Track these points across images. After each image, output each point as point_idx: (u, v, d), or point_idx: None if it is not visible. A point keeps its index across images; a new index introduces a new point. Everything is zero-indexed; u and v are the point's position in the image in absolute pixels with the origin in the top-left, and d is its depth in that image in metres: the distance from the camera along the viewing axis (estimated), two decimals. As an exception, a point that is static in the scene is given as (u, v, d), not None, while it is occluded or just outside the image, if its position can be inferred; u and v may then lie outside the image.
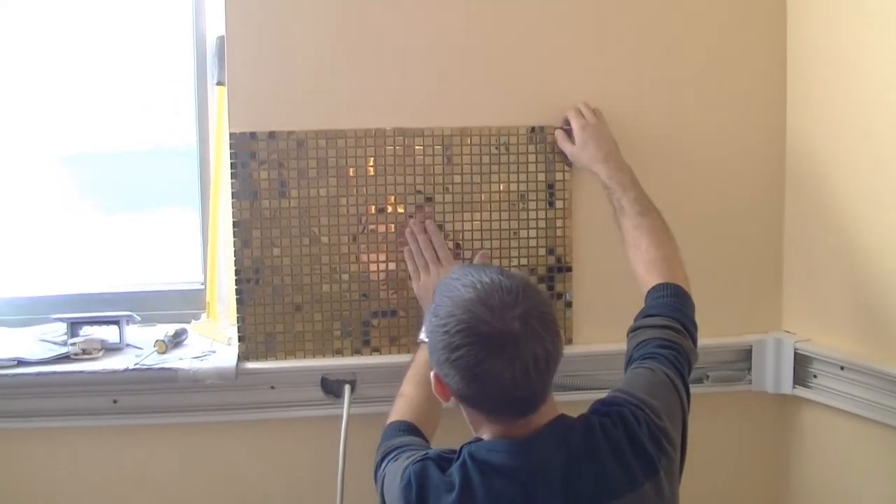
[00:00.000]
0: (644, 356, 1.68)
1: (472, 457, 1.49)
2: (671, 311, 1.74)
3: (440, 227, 2.11)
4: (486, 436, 1.53)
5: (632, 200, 1.93)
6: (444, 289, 1.54)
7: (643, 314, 1.77)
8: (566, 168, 2.14)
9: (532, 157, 2.13)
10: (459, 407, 1.56)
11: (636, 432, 1.52)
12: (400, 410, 1.85)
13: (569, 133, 2.09)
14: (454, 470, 1.49)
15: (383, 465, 1.67)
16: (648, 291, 1.80)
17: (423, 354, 1.96)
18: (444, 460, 1.53)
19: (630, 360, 1.71)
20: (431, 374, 1.55)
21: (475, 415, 1.53)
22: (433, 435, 1.85)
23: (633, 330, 1.76)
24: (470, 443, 1.53)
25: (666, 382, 1.63)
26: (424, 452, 1.58)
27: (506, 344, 1.42)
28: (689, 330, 1.74)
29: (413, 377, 1.93)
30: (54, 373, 2.02)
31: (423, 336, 2.01)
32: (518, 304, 1.44)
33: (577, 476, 1.46)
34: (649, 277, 1.82)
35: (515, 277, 1.51)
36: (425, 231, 2.09)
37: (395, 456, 1.66)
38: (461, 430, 1.59)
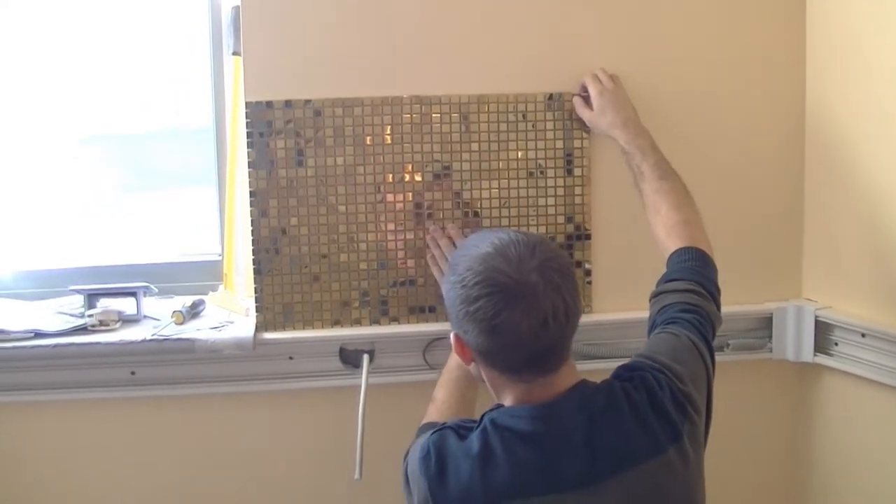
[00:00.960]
0: (667, 321, 1.66)
1: (494, 423, 1.48)
2: (693, 274, 1.73)
3: (457, 195, 2.10)
4: (507, 401, 1.52)
5: (651, 165, 1.91)
6: (460, 249, 1.54)
7: (665, 279, 1.75)
8: (584, 135, 2.12)
9: (550, 125, 2.12)
10: (481, 373, 1.55)
11: (659, 397, 1.51)
12: (430, 415, 1.83)
13: (586, 99, 2.08)
14: (474, 437, 1.49)
15: (408, 454, 1.64)
16: (670, 256, 1.78)
17: (454, 358, 1.92)
18: (463, 429, 1.53)
19: (653, 326, 1.70)
20: (451, 335, 1.54)
21: (496, 376, 1.52)
22: None
23: (655, 295, 1.75)
24: (491, 410, 1.52)
25: (690, 347, 1.61)
26: (443, 423, 1.58)
27: (524, 294, 1.41)
28: (713, 293, 1.73)
29: (444, 382, 1.90)
30: (71, 344, 2.01)
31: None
32: (535, 257, 1.44)
33: (600, 442, 1.45)
34: (670, 242, 1.80)
35: (533, 234, 1.52)
36: (445, 235, 2.07)
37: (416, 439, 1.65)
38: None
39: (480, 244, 1.49)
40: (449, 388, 1.87)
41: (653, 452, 1.47)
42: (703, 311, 1.67)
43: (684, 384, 1.54)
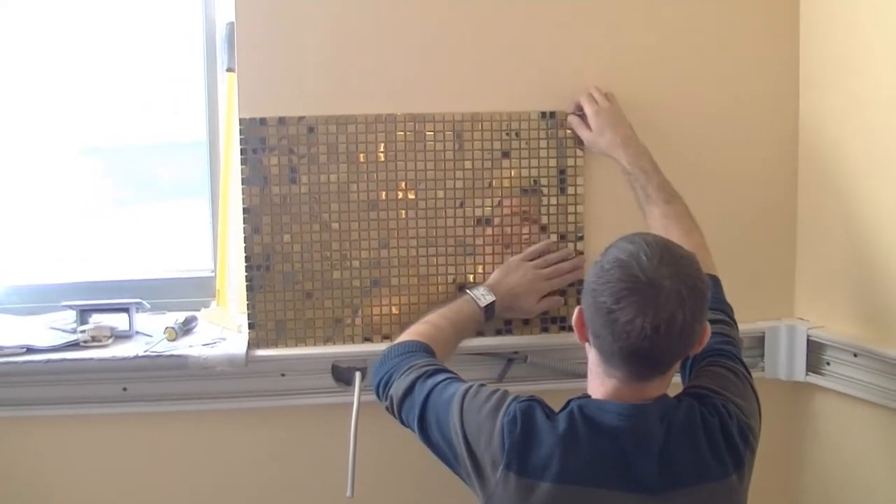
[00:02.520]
0: (711, 352, 1.69)
1: (582, 410, 1.53)
2: (717, 303, 1.77)
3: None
4: (596, 394, 1.55)
5: (657, 187, 1.94)
6: (616, 241, 1.57)
7: None
8: (578, 153, 2.12)
9: (543, 143, 2.12)
10: (588, 352, 1.58)
11: (729, 426, 1.57)
12: (425, 333, 1.86)
13: (582, 118, 2.08)
14: (560, 418, 1.53)
15: (440, 381, 1.67)
16: None
17: (467, 306, 1.97)
18: (548, 408, 1.57)
19: (694, 358, 1.72)
20: (577, 308, 1.56)
21: (596, 364, 1.55)
22: None
23: None
24: (579, 397, 1.56)
25: (745, 381, 1.69)
26: (530, 395, 1.60)
27: (650, 294, 1.44)
28: (733, 319, 1.81)
29: (447, 315, 1.94)
30: (64, 360, 2.01)
31: (476, 293, 2.00)
32: (674, 265, 1.47)
33: (674, 452, 1.51)
34: None
35: (683, 249, 1.54)
36: (568, 260, 2.12)
37: (456, 381, 1.67)
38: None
39: (636, 240, 1.52)
40: (450, 321, 1.92)
41: (719, 475, 1.54)
42: (734, 342, 1.75)
43: (748, 418, 1.62)
